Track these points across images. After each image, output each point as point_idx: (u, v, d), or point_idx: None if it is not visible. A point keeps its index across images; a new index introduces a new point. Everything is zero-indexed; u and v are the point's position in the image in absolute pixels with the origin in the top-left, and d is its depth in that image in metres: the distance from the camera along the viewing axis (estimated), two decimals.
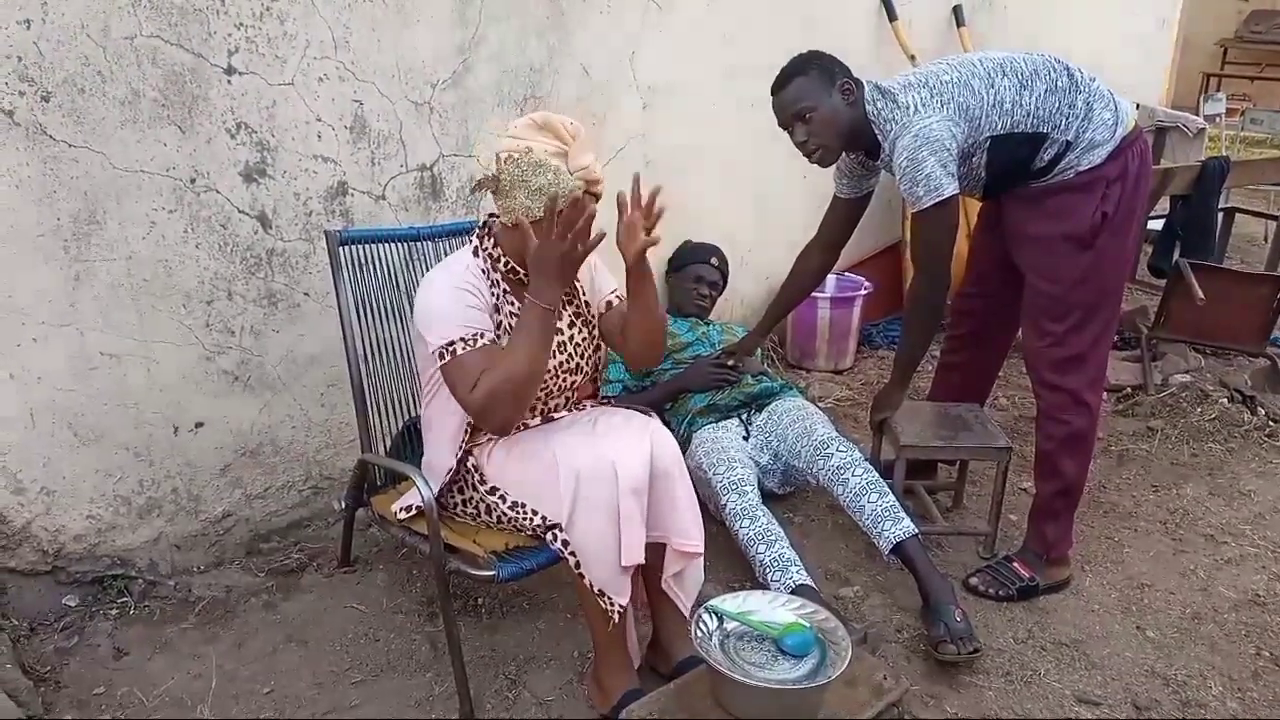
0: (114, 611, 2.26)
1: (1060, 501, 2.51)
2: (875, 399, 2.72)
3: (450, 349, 1.83)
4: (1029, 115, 2.27)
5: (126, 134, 2.07)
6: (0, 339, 2.02)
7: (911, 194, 2.27)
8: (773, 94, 2.40)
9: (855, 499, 2.44)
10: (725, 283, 3.25)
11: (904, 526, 2.35)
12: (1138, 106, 5.18)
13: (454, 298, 1.86)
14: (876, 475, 2.48)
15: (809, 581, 2.29)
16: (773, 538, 2.37)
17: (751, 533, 2.39)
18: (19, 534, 2.15)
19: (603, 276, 2.11)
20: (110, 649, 2.15)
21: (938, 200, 2.25)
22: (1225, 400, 3.60)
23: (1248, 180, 4.94)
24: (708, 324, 3.11)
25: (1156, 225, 4.23)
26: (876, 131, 2.34)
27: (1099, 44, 5.46)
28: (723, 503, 2.48)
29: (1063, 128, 2.28)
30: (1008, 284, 2.55)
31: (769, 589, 2.27)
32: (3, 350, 2.03)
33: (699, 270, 3.15)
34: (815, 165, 2.44)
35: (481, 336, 1.84)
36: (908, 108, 2.27)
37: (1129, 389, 3.74)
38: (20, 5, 1.90)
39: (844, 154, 2.50)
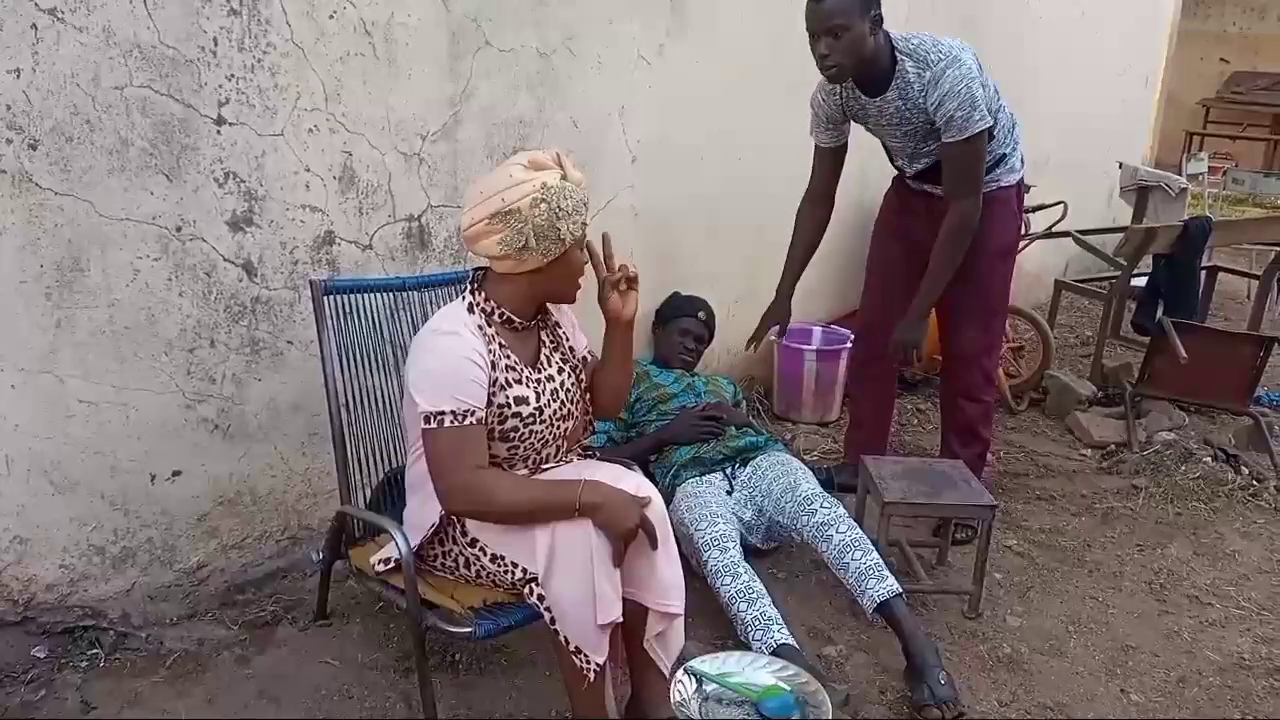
0: (84, 664, 2.21)
1: (979, 459, 3.07)
2: (898, 332, 2.83)
3: (439, 418, 1.82)
4: (993, 115, 2.64)
5: (113, 182, 2.08)
6: None
7: (962, 118, 2.55)
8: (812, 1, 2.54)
9: (839, 556, 2.42)
10: (712, 336, 3.29)
11: (888, 585, 2.34)
12: (1120, 165, 5.29)
13: (457, 367, 1.84)
14: (861, 533, 2.47)
15: (791, 641, 2.26)
16: (754, 595, 2.35)
17: (733, 590, 2.36)
18: None
19: (579, 334, 2.13)
20: (78, 703, 2.11)
21: (983, 128, 2.57)
22: (1209, 459, 3.60)
23: (1230, 240, 5.02)
24: (694, 375, 3.12)
25: (1140, 283, 4.27)
26: (908, 61, 2.59)
27: (1083, 105, 5.56)
28: (704, 559, 2.46)
29: (1002, 140, 2.76)
30: (909, 296, 2.87)
31: (751, 647, 2.24)
32: None
33: (686, 324, 3.18)
34: (825, 76, 2.64)
35: (471, 414, 1.83)
36: (951, 47, 2.58)
37: (1113, 445, 3.75)
38: (11, 55, 1.91)
39: (825, 97, 2.80)
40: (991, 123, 2.62)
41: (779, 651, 2.17)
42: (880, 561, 2.39)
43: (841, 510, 2.52)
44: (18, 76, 1.93)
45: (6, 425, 2.06)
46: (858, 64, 2.58)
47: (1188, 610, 2.72)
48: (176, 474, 2.31)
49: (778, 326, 3.04)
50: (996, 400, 3.22)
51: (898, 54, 2.61)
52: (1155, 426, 3.85)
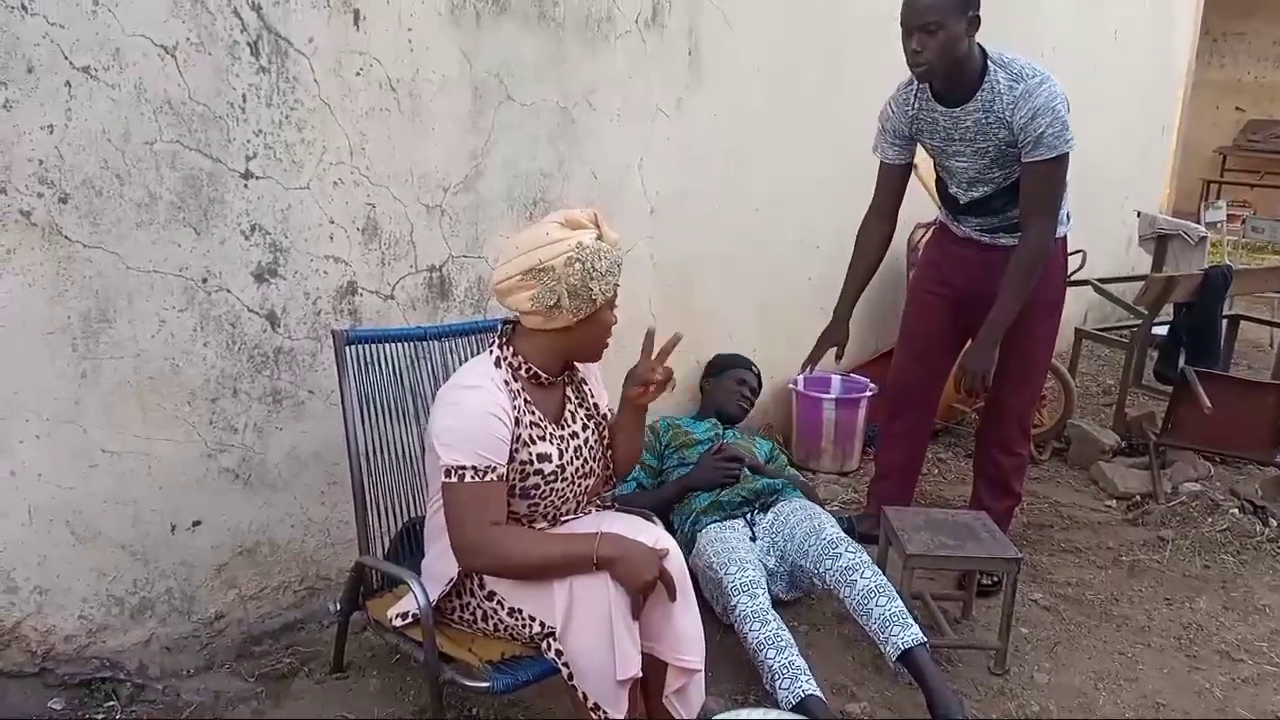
0: (100, 716, 2.19)
1: (1009, 513, 3.08)
2: (965, 359, 2.78)
3: (460, 472, 1.82)
4: None
5: (142, 235, 2.11)
6: (4, 435, 2.02)
7: (1054, 135, 2.53)
8: None
9: (862, 601, 2.38)
10: (760, 389, 3.40)
11: (913, 633, 2.30)
12: (1139, 214, 5.29)
13: (480, 422, 1.84)
14: (885, 579, 2.43)
15: (818, 692, 2.22)
16: (783, 644, 2.31)
17: (761, 637, 2.32)
18: (8, 634, 2.11)
19: (602, 389, 2.14)
20: None
21: (1070, 150, 2.56)
22: (1236, 510, 3.55)
23: (1251, 289, 4.99)
24: (726, 429, 3.12)
25: (1161, 331, 4.25)
26: (1001, 72, 2.56)
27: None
28: (733, 604, 2.42)
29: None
30: (947, 355, 2.91)
31: (776, 696, 2.21)
32: (5, 446, 2.02)
33: (741, 374, 3.29)
34: (915, 74, 2.63)
35: (492, 471, 1.83)
36: (1043, 69, 2.57)
37: (1138, 497, 3.70)
38: (45, 111, 1.96)
39: (895, 109, 2.78)
40: (1075, 148, 2.59)
41: (806, 702, 2.14)
42: (905, 609, 2.35)
43: (866, 556, 2.49)
44: (50, 132, 1.98)
45: (30, 474, 2.07)
46: (949, 65, 2.54)
47: (1219, 667, 2.65)
48: (197, 524, 2.32)
49: (835, 349, 2.99)
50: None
51: (990, 64, 2.58)
52: (1180, 477, 3.80)
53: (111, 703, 2.22)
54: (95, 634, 2.22)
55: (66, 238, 2.02)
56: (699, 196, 3.40)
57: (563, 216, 1.88)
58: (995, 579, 2.89)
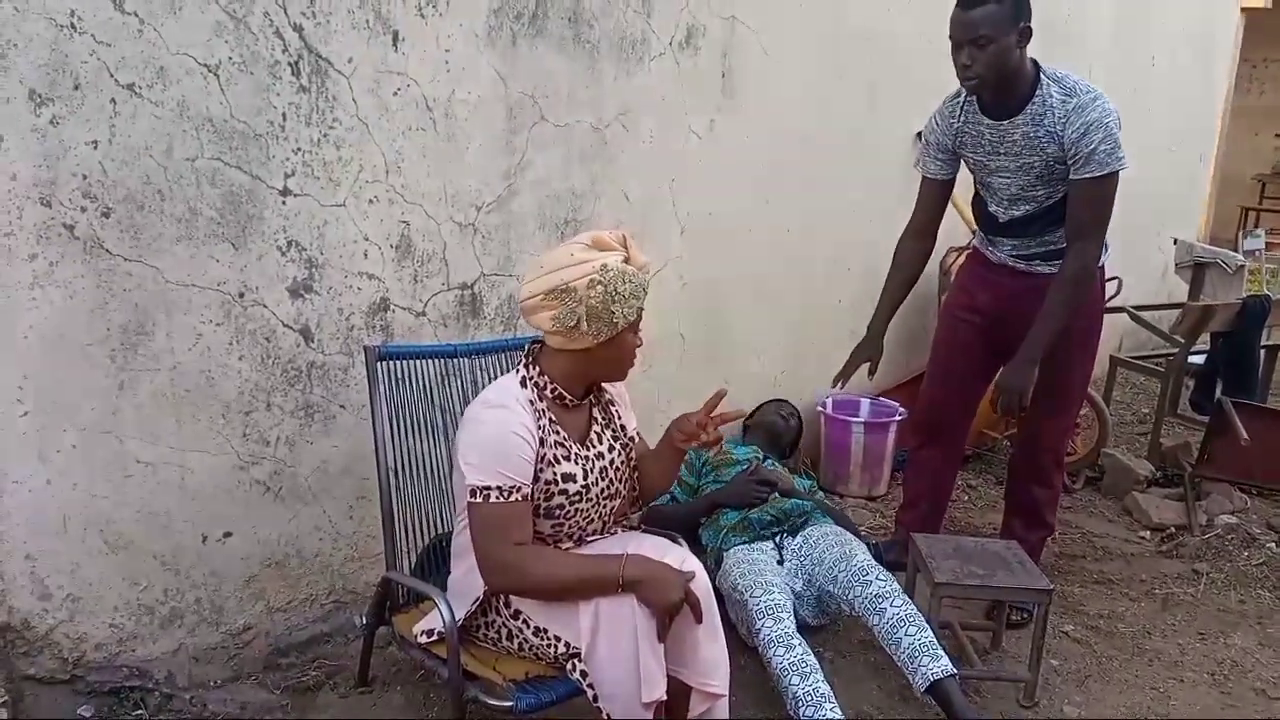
0: None
1: (1041, 544, 3.05)
2: (1002, 378, 2.71)
3: (485, 492, 1.82)
4: None
5: (181, 250, 2.15)
6: (42, 444, 2.05)
7: (1105, 152, 2.49)
8: (961, 7, 2.49)
9: (891, 630, 2.36)
10: (801, 426, 3.59)
11: (943, 664, 2.27)
12: (1175, 241, 5.23)
13: (507, 442, 1.84)
14: (915, 609, 2.41)
15: (842, 718, 2.20)
16: (808, 669, 2.28)
17: (786, 662, 2.30)
18: (41, 641, 2.14)
19: (630, 414, 2.14)
20: None
21: (1120, 167, 2.52)
22: (1273, 545, 3.48)
23: None
24: (766, 459, 3.13)
25: (1198, 360, 4.18)
26: (1054, 86, 2.54)
27: (1137, 180, 5.52)
28: (758, 627, 2.40)
29: None
30: (979, 382, 2.93)
31: None
32: (43, 455, 2.06)
33: (781, 404, 3.57)
34: (965, 87, 2.61)
35: (517, 490, 1.84)
36: (1096, 87, 2.55)
37: (1173, 528, 3.64)
38: (90, 127, 2.00)
39: (939, 122, 2.76)
40: (1128, 168, 2.55)
41: None
42: (935, 639, 2.32)
43: (896, 585, 2.46)
44: (95, 148, 2.02)
45: (65, 483, 2.10)
46: (1000, 78, 2.51)
47: (1254, 704, 2.60)
48: (227, 535, 2.34)
49: (868, 364, 2.96)
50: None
51: (1044, 76, 2.55)
52: (1216, 509, 3.73)
53: (140, 711, 2.24)
54: (125, 642, 2.25)
55: (108, 251, 2.06)
56: (730, 217, 3.40)
57: (590, 238, 1.89)
58: (1026, 612, 2.85)
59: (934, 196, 2.88)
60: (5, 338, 1.98)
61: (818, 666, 2.30)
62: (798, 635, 2.38)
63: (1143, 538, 3.64)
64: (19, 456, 2.04)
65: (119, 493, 2.17)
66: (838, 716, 2.19)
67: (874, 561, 2.55)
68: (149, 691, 2.27)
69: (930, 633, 2.34)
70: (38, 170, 1.96)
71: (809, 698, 2.22)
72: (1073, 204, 2.60)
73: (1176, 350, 4.18)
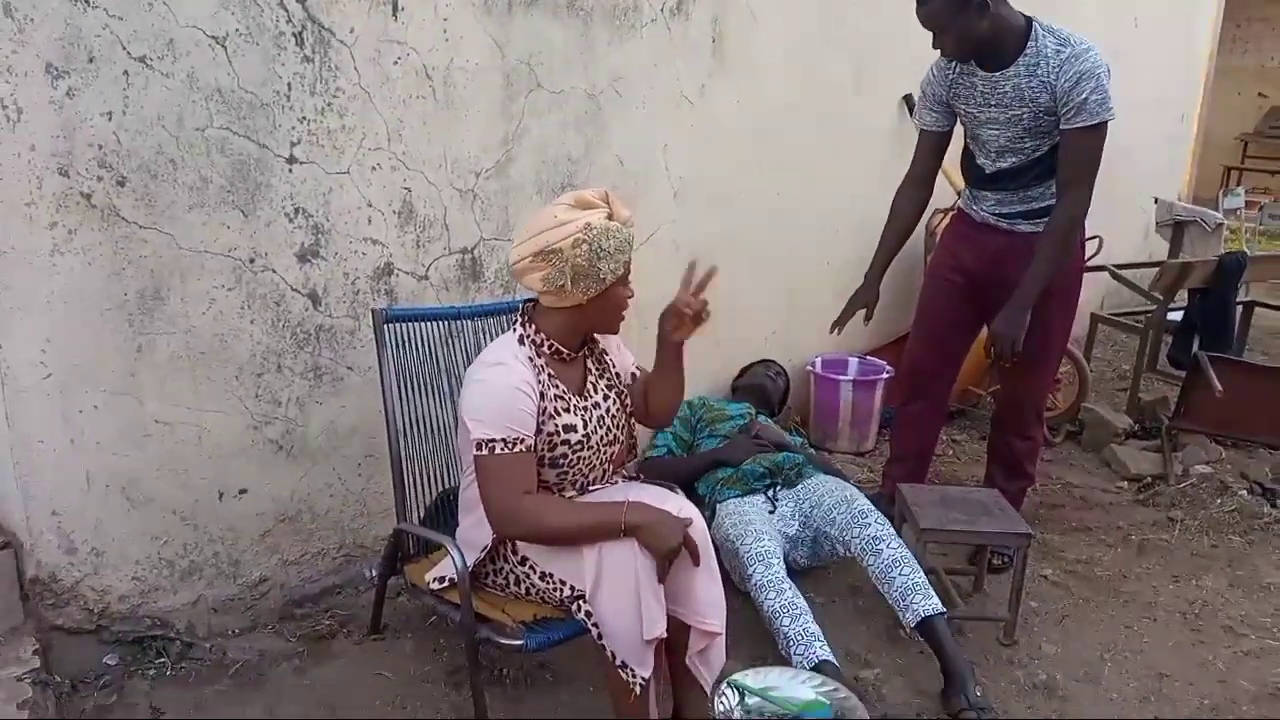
0: (151, 672, 2.33)
1: (1021, 494, 3.15)
2: (996, 324, 2.76)
3: (490, 445, 1.91)
4: None
5: (193, 217, 2.22)
6: (65, 406, 2.14)
7: (1096, 102, 2.55)
8: (917, 2, 2.63)
9: (886, 570, 2.48)
10: (788, 383, 3.75)
11: (934, 603, 2.40)
12: (1156, 201, 5.33)
13: (509, 398, 1.93)
14: (909, 552, 2.52)
15: (831, 658, 2.32)
16: (797, 611, 2.40)
17: (777, 605, 2.42)
18: (68, 593, 2.24)
19: (624, 353, 2.23)
20: (147, 708, 2.22)
21: (1109, 118, 2.58)
22: (1245, 492, 3.62)
23: (1266, 275, 5.02)
24: (759, 413, 3.25)
25: (1176, 317, 4.30)
26: (1050, 37, 2.60)
27: (1120, 140, 5.61)
28: (749, 573, 2.52)
29: None
30: (962, 340, 3.04)
31: (791, 661, 2.31)
32: (66, 416, 2.15)
33: (769, 364, 3.72)
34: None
35: (521, 442, 1.93)
36: (1088, 41, 2.61)
37: (1150, 478, 3.77)
38: (104, 99, 2.07)
39: (935, 74, 2.85)
40: (1115, 118, 2.61)
41: (820, 668, 2.24)
42: (926, 581, 2.45)
43: (892, 529, 2.58)
44: (109, 119, 2.09)
45: (88, 443, 2.19)
46: (976, 47, 2.64)
47: (1222, 641, 2.74)
48: (243, 492, 2.44)
49: (865, 310, 3.05)
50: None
51: (1037, 28, 2.62)
52: (1192, 460, 3.87)
53: (162, 660, 2.36)
54: (147, 594, 2.35)
55: (124, 219, 2.14)
56: (721, 181, 3.48)
57: (573, 198, 1.96)
58: (1006, 557, 2.97)
59: (930, 148, 2.97)
60: (28, 303, 2.06)
61: (807, 609, 2.43)
62: (788, 580, 2.50)
63: (1121, 488, 3.77)
64: (43, 418, 2.13)
65: (139, 451, 2.26)
66: (826, 654, 2.31)
67: (872, 506, 2.66)
68: (170, 641, 2.39)
69: (922, 575, 2.47)
70: (55, 141, 2.03)
71: (800, 638, 2.35)
72: (1064, 153, 2.68)
73: (1155, 307, 4.29)
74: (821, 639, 2.35)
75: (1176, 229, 5.09)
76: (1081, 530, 3.39)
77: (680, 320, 2.06)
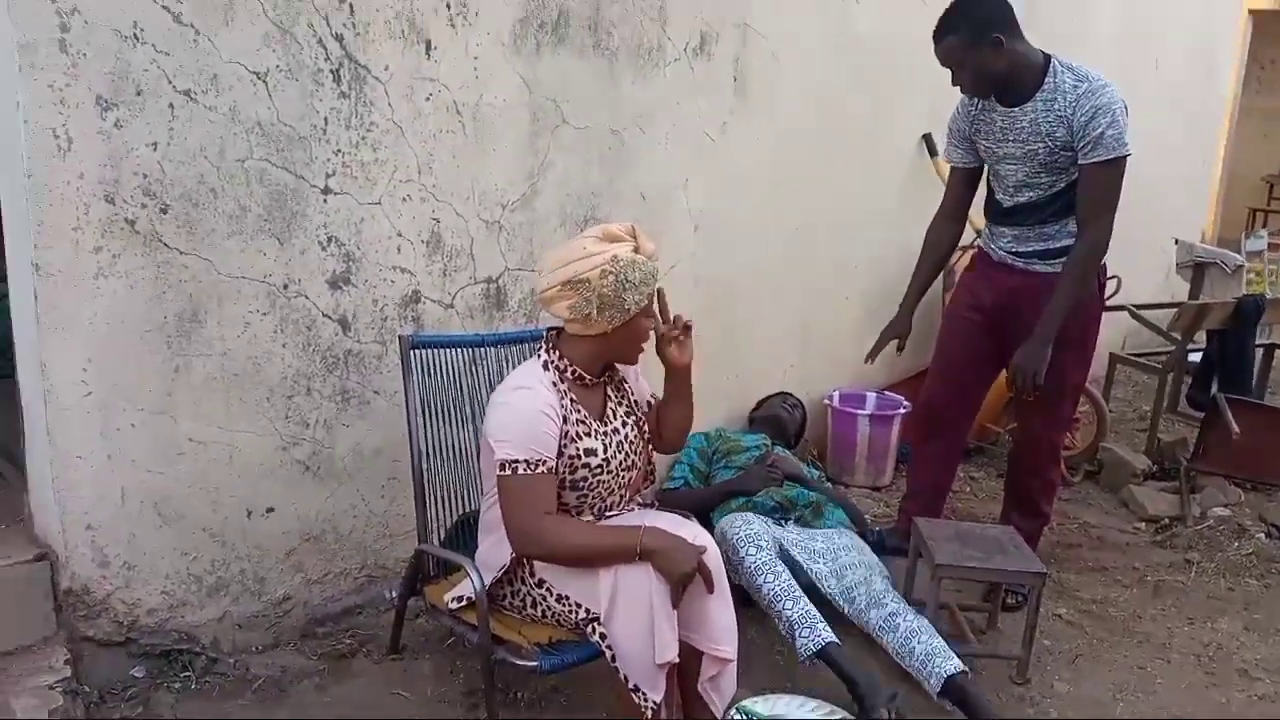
0: (177, 685, 2.38)
1: (1038, 532, 3.16)
2: (1016, 357, 2.80)
3: (513, 465, 1.98)
4: None
5: (231, 244, 2.31)
6: (104, 423, 2.22)
7: (1113, 137, 2.62)
8: (934, 40, 2.73)
9: (905, 641, 2.47)
10: (804, 414, 3.75)
11: (954, 663, 2.38)
12: (1177, 242, 5.34)
13: (532, 420, 2.00)
14: (924, 620, 2.51)
15: (836, 639, 2.33)
16: (797, 594, 2.40)
17: (776, 588, 2.42)
18: (99, 605, 2.31)
19: (642, 382, 2.31)
20: None
21: (1126, 153, 2.64)
22: (1263, 535, 3.61)
23: None
24: (775, 444, 3.30)
25: (1196, 358, 4.31)
26: (1068, 74, 2.67)
27: (1142, 181, 5.63)
28: (741, 556, 2.50)
29: None
30: (980, 379, 3.04)
31: (796, 644, 2.32)
32: (105, 433, 2.23)
33: (786, 395, 3.73)
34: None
35: (543, 463, 1.99)
36: (1105, 77, 2.68)
37: (1167, 520, 3.77)
38: (151, 130, 2.17)
39: (960, 110, 2.93)
40: (1133, 155, 2.67)
41: (827, 650, 2.26)
42: (944, 644, 2.43)
43: (905, 604, 2.59)
44: (154, 149, 2.18)
45: (125, 460, 2.27)
46: (993, 83, 2.72)
47: (1236, 684, 2.73)
48: (270, 510, 2.51)
49: (897, 341, 3.11)
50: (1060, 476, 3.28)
51: (1056, 64, 2.69)
52: (1210, 502, 3.86)
53: (187, 673, 2.41)
54: (175, 609, 2.42)
55: (165, 245, 2.23)
56: (741, 216, 3.55)
57: (600, 230, 2.05)
58: (1021, 595, 2.98)
59: (961, 184, 3.05)
60: (72, 324, 2.15)
61: (803, 593, 2.43)
62: (781, 563, 2.50)
63: (1138, 528, 3.77)
64: (83, 435, 2.21)
65: (172, 469, 2.34)
66: (831, 636, 2.32)
67: (890, 587, 2.66)
68: (196, 655, 2.44)
69: (940, 639, 2.46)
70: (103, 169, 2.12)
71: (803, 619, 2.35)
72: (1082, 188, 2.73)
73: (1173, 348, 4.31)
74: (824, 621, 2.35)
75: (1197, 270, 5.09)
76: (1097, 570, 3.40)
77: (674, 344, 2.18)
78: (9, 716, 2.02)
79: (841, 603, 2.63)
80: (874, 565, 2.77)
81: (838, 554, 2.76)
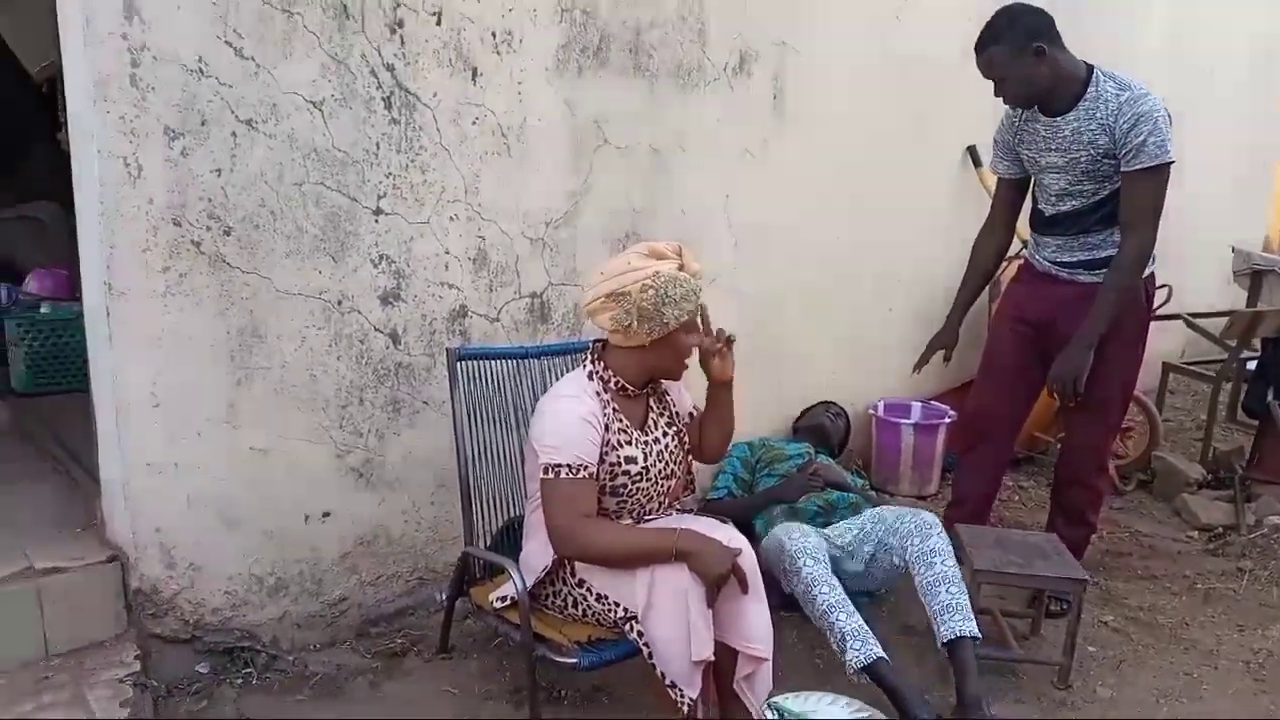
0: (239, 681, 2.51)
1: (1084, 542, 3.15)
2: (1056, 365, 2.82)
3: (556, 470, 2.07)
4: None
5: (289, 263, 2.45)
6: (173, 432, 2.37)
7: (1156, 144, 2.63)
8: (975, 51, 2.76)
9: (933, 584, 2.47)
10: (849, 423, 3.78)
11: (970, 626, 2.40)
12: (1233, 249, 5.26)
13: (578, 428, 2.10)
14: (961, 574, 2.51)
15: (885, 655, 2.35)
16: (850, 608, 2.42)
17: (831, 600, 2.43)
18: (167, 604, 2.45)
19: (684, 395, 2.38)
20: (235, 714, 2.40)
21: (1169, 160, 2.65)
22: None
23: None
24: (818, 452, 3.36)
25: (1251, 365, 4.24)
26: (1110, 82, 2.70)
27: (1197, 189, 5.56)
28: (798, 566, 2.50)
29: None
30: (1026, 389, 3.02)
31: (846, 657, 2.34)
32: (174, 441, 2.37)
33: (829, 404, 3.76)
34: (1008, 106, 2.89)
35: (585, 469, 2.08)
36: (1147, 86, 2.70)
37: (1221, 529, 3.71)
38: (215, 158, 2.32)
39: (1005, 121, 2.95)
40: (1175, 161, 2.67)
41: (876, 665, 2.29)
42: (969, 605, 2.44)
43: (951, 549, 2.57)
44: (218, 175, 2.33)
45: (192, 467, 2.41)
46: (1036, 94, 2.75)
47: None
48: (326, 515, 2.63)
49: (944, 351, 3.15)
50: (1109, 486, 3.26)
51: (1099, 74, 2.72)
52: (1265, 511, 3.79)
53: (249, 670, 2.54)
54: (238, 608, 2.55)
55: (228, 264, 2.37)
56: (781, 231, 3.61)
57: (646, 247, 2.14)
58: (1065, 602, 2.97)
59: (1007, 195, 3.08)
60: (141, 340, 2.30)
61: (856, 609, 2.44)
62: (835, 577, 2.51)
63: (1190, 537, 3.72)
64: (151, 443, 2.35)
65: (235, 476, 2.47)
66: (881, 652, 2.34)
67: (938, 521, 2.64)
68: (257, 652, 2.57)
69: (967, 598, 2.46)
70: (170, 195, 2.27)
71: (856, 633, 2.36)
72: (1125, 196, 2.74)
73: (1226, 355, 4.24)
74: (874, 637, 2.37)
75: (1255, 278, 5.01)
76: (1147, 578, 3.37)
77: (717, 357, 2.25)
78: (84, 706, 2.16)
79: (890, 540, 2.64)
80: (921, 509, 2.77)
81: (883, 513, 2.75)
